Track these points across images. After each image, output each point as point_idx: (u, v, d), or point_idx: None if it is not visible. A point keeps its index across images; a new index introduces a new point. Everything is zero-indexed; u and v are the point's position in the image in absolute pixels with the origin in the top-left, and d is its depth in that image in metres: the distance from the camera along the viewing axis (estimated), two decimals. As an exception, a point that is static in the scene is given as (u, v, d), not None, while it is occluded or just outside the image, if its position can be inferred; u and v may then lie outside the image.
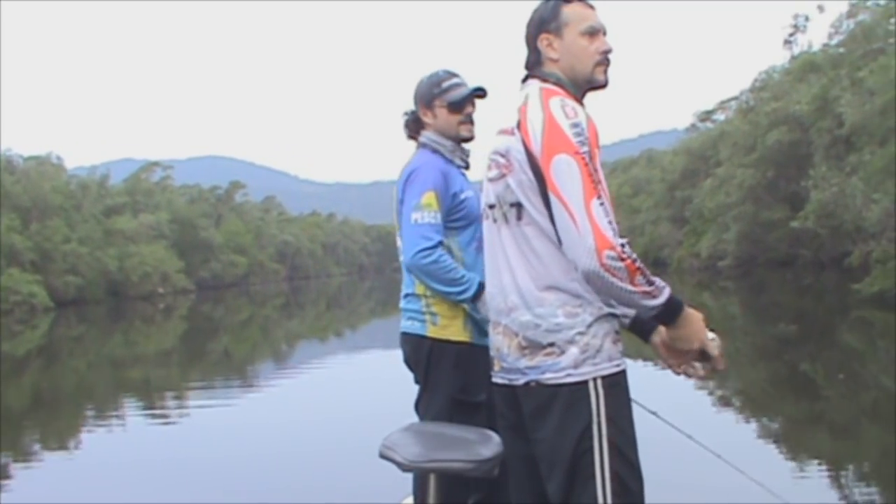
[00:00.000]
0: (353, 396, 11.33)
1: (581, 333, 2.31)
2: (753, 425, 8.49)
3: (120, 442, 9.25)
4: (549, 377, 2.32)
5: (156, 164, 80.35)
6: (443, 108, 3.50)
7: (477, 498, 3.43)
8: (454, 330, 3.45)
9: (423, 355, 3.47)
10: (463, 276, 3.33)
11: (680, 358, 2.45)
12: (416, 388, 3.56)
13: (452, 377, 3.42)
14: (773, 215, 37.96)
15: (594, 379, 2.30)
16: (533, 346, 2.36)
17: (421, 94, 3.54)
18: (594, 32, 2.46)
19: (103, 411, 11.81)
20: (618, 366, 2.34)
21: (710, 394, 9.99)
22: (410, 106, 3.64)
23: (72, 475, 7.62)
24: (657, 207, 57.45)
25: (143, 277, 60.19)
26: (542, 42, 2.48)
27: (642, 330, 2.51)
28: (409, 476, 3.25)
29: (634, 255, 2.19)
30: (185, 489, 6.73)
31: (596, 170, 2.25)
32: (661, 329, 2.43)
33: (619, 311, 2.38)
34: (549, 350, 2.33)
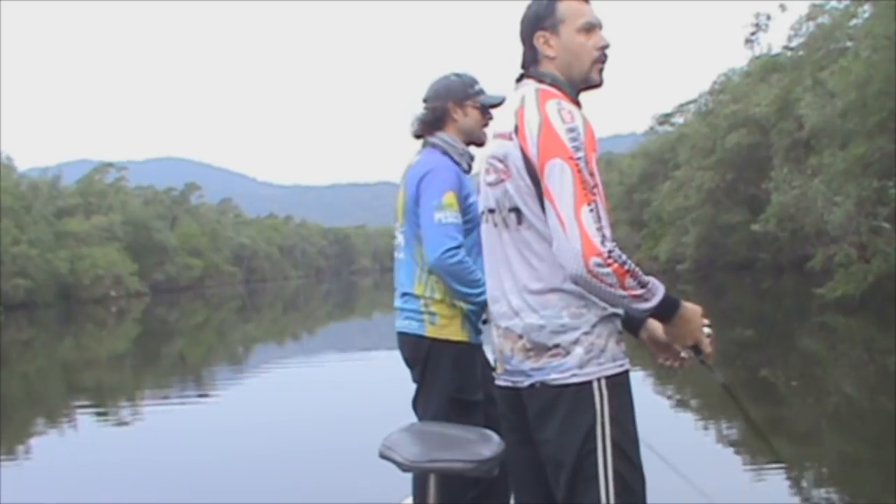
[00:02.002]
0: (339, 398, 11.21)
1: (586, 333, 2.33)
2: (712, 430, 8.43)
3: (93, 445, 9.10)
4: (555, 378, 2.33)
5: (110, 164, 79.16)
6: (475, 108, 3.53)
7: (474, 494, 3.43)
8: (453, 330, 3.46)
9: (421, 355, 3.48)
10: (480, 279, 3.30)
11: (668, 352, 2.51)
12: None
13: (451, 377, 3.44)
14: (732, 218, 38.10)
15: (598, 379, 2.32)
16: (538, 348, 2.37)
17: (454, 91, 3.55)
18: (591, 28, 2.45)
19: (55, 416, 11.49)
20: (621, 366, 2.36)
21: (669, 398, 9.90)
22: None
23: (21, 480, 7.37)
24: (615, 210, 57.58)
25: (95, 280, 59.21)
26: (539, 40, 2.46)
27: (631, 326, 2.52)
28: (409, 476, 3.28)
29: (623, 259, 2.20)
30: (185, 491, 6.62)
31: (592, 174, 2.26)
32: (650, 325, 2.50)
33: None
34: (554, 351, 2.34)
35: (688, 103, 53.58)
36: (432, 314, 3.45)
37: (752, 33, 24.09)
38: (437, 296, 3.45)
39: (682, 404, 9.80)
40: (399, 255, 3.59)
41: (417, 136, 3.63)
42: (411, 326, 3.50)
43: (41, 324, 36.82)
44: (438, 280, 3.43)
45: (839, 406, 9.50)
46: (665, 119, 58.39)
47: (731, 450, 7.56)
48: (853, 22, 24.56)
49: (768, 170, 29.13)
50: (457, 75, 3.60)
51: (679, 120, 55.17)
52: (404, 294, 3.54)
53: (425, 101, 3.61)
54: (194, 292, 71.71)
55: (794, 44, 33.12)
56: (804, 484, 6.27)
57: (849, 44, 23.92)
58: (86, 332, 30.93)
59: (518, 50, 2.53)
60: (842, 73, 20.51)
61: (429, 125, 3.57)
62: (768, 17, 23.66)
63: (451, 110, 3.53)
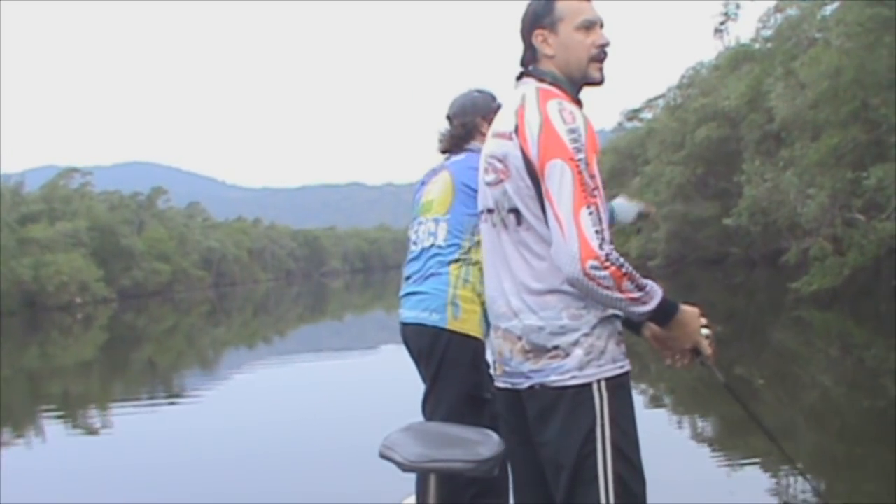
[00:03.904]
0: (326, 398, 11.25)
1: (586, 335, 2.32)
2: (686, 426, 8.42)
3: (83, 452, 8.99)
4: (554, 379, 2.33)
5: (75, 169, 78.19)
6: None
7: (472, 492, 3.44)
8: (472, 325, 3.48)
9: (438, 349, 3.48)
10: None
11: (672, 351, 2.48)
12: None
13: (469, 374, 3.47)
14: (702, 213, 38.00)
15: (598, 381, 2.32)
16: (537, 350, 2.36)
17: (480, 106, 3.71)
18: (590, 26, 2.44)
19: (22, 426, 11.33)
20: (621, 367, 2.36)
21: (642, 393, 9.85)
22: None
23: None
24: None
25: (59, 287, 58.25)
26: (537, 38, 2.46)
27: (633, 325, 2.51)
28: (409, 476, 3.28)
29: (621, 261, 2.21)
30: (183, 493, 6.64)
31: (592, 176, 2.25)
32: (651, 324, 2.44)
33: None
34: (553, 353, 2.33)
35: (656, 98, 53.47)
36: (456, 306, 3.47)
37: (722, 23, 23.92)
38: (471, 279, 3.49)
39: (654, 400, 9.76)
40: (426, 243, 3.63)
41: (444, 151, 3.79)
42: (431, 318, 3.49)
43: (5, 332, 36.10)
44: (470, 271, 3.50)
45: (815, 402, 9.37)
46: (633, 114, 58.23)
47: (706, 445, 7.55)
48: (822, 12, 24.50)
49: (739, 163, 29.03)
50: (479, 91, 3.77)
51: (647, 115, 55.04)
52: (430, 276, 3.54)
53: (451, 117, 3.78)
54: (163, 297, 70.94)
55: (762, 36, 33.08)
56: (781, 480, 6.25)
57: (818, 35, 23.87)
58: (51, 340, 30.48)
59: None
60: (812, 63, 20.39)
61: (459, 139, 3.72)
62: (737, 6, 23.47)
63: (479, 125, 3.66)
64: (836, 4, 22.17)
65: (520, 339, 2.39)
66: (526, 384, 2.39)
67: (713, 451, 7.33)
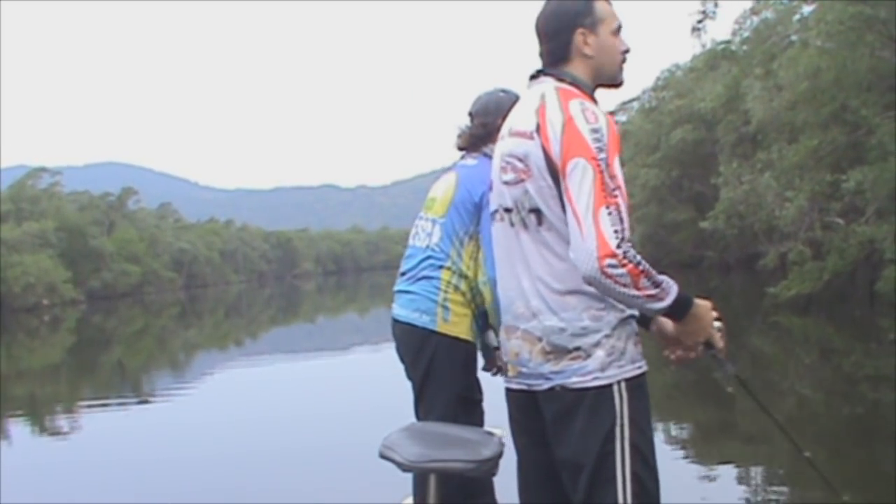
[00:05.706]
0: (317, 399, 11.36)
1: (607, 336, 2.33)
2: (660, 432, 8.30)
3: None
4: (575, 381, 2.33)
5: (43, 169, 77.05)
6: None
7: (467, 493, 3.42)
8: (463, 328, 3.45)
9: (427, 351, 3.45)
10: None
11: (678, 345, 2.48)
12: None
13: (461, 376, 3.46)
14: (677, 216, 38.06)
15: (619, 382, 2.33)
16: (558, 351, 2.35)
17: (503, 107, 3.53)
18: (619, 30, 2.49)
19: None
20: (640, 368, 2.38)
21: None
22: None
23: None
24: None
25: (26, 288, 57.21)
26: (579, 37, 2.45)
27: (642, 320, 2.49)
28: (409, 476, 3.33)
29: (638, 259, 2.21)
30: (182, 491, 6.59)
31: (613, 176, 2.25)
32: (659, 319, 2.48)
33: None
34: (574, 354, 2.33)
35: (630, 100, 53.27)
36: (446, 308, 3.44)
37: (700, 21, 23.71)
38: (462, 288, 3.46)
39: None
40: (422, 242, 3.60)
41: (461, 149, 3.71)
42: (421, 320, 3.46)
43: (-31, 334, 35.52)
44: (464, 278, 3.48)
45: (791, 408, 9.26)
46: (608, 118, 58.27)
47: (681, 450, 7.50)
48: (799, 15, 24.40)
49: (714, 166, 28.99)
50: (504, 91, 3.65)
51: (622, 117, 54.98)
52: (421, 278, 3.51)
53: (473, 115, 3.68)
54: (132, 299, 70.12)
55: (738, 38, 33.08)
56: (752, 482, 6.29)
57: (794, 37, 23.78)
58: (17, 342, 29.98)
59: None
60: (790, 64, 20.22)
61: (478, 140, 3.64)
62: (716, 4, 23.31)
63: (500, 127, 3.55)
64: (812, 7, 22.03)
65: (540, 339, 2.39)
66: (545, 385, 2.39)
67: (686, 454, 7.28)
